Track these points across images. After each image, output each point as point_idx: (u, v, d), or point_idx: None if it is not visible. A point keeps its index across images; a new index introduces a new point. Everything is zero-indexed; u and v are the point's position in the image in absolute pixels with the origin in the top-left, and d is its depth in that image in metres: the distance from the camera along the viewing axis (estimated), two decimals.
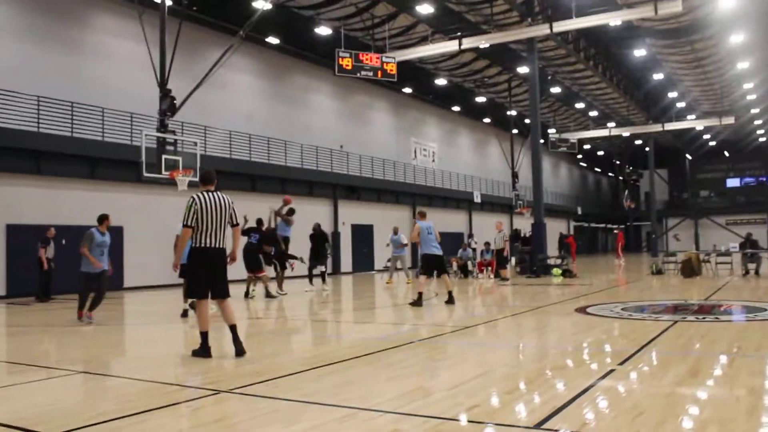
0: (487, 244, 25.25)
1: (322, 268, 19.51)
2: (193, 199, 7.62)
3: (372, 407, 5.12)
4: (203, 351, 7.59)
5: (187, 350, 8.07)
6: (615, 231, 45.73)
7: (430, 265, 13.91)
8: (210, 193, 7.72)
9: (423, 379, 6.47)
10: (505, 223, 47.74)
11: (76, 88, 22.00)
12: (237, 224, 7.91)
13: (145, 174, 17.43)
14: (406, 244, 23.14)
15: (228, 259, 7.82)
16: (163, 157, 17.77)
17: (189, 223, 7.56)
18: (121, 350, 9.58)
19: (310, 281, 19.75)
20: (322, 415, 4.97)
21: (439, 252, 13.97)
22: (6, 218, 19.65)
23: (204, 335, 7.66)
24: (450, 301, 13.79)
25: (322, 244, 19.43)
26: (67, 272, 15.99)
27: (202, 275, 7.65)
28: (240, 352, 7.54)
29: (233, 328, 7.71)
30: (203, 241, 7.59)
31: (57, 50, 22.35)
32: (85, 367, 7.70)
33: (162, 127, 18.32)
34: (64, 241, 20.02)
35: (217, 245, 7.65)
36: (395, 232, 23.04)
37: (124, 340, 10.70)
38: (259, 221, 17.22)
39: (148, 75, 19.05)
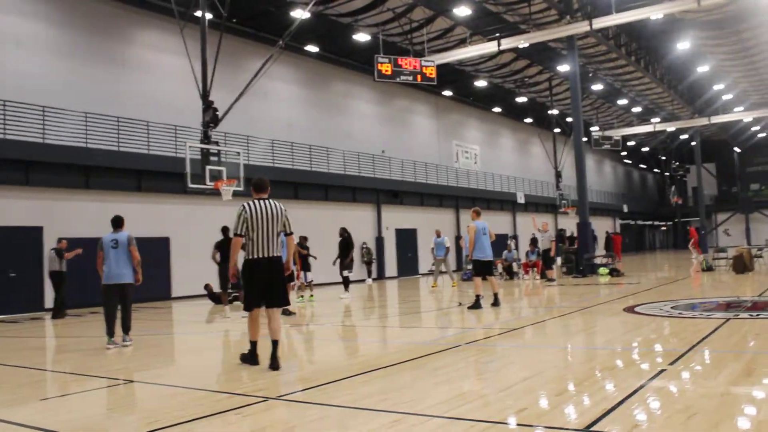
0: (533, 244, 25.02)
1: (347, 273, 19.55)
2: (243, 207, 7.42)
3: (420, 412, 5.12)
4: (251, 357, 7.57)
5: (235, 359, 8.15)
6: (662, 227, 44.90)
7: (480, 268, 13.91)
8: (261, 201, 7.51)
9: (470, 383, 6.45)
10: (550, 223, 47.37)
11: (121, 103, 22.46)
12: (291, 233, 7.78)
13: (190, 185, 17.69)
14: (449, 248, 23.04)
15: (283, 268, 7.64)
16: (207, 167, 18.02)
17: (239, 232, 7.39)
18: (170, 359, 9.73)
19: (346, 288, 19.71)
20: (370, 420, 4.98)
21: (489, 257, 13.93)
22: (57, 232, 20.10)
23: (253, 344, 7.62)
24: (496, 303, 13.72)
25: (345, 249, 19.48)
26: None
27: (255, 287, 7.46)
28: (275, 366, 7.27)
29: (275, 344, 7.44)
30: (255, 251, 7.40)
31: (102, 67, 22.84)
32: (135, 376, 7.84)
33: (205, 138, 18.59)
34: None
35: (269, 255, 7.42)
36: (438, 235, 22.92)
37: (172, 350, 10.87)
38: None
39: (190, 88, 19.36)
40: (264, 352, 7.54)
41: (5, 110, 19.16)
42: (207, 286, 19.64)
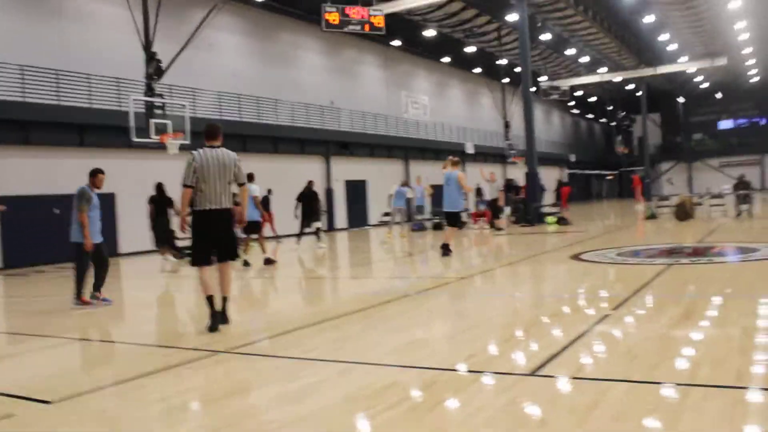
0: (479, 195, 25.23)
1: (318, 224, 19.47)
2: (193, 155, 6.95)
3: (370, 361, 5.18)
4: (213, 315, 6.82)
5: (184, 312, 8.10)
6: (608, 177, 45.59)
7: (449, 218, 14.22)
8: (213, 149, 7.03)
9: (420, 332, 6.53)
10: (498, 173, 47.77)
11: (60, 56, 21.67)
12: (243, 183, 7.21)
13: (135, 139, 17.34)
14: (410, 198, 22.84)
15: (235, 221, 7.30)
16: (152, 121, 17.65)
17: (188, 182, 6.86)
18: (119, 316, 9.63)
19: (298, 240, 19.64)
20: (321, 370, 5.03)
21: (446, 208, 14.08)
22: None
23: (210, 299, 6.90)
24: (446, 252, 13.82)
25: (313, 202, 19.33)
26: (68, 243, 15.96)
27: (204, 240, 6.99)
28: (224, 320, 6.88)
29: (224, 300, 6.98)
30: (206, 201, 6.89)
31: (39, 18, 21.97)
32: (84, 334, 7.74)
33: (149, 91, 18.18)
34: (57, 211, 19.97)
35: (220, 206, 6.94)
36: (403, 184, 22.43)
37: (121, 307, 10.75)
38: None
39: (132, 39, 18.81)
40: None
41: None
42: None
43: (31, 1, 21.81)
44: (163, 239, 16.55)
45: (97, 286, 9.74)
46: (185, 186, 6.89)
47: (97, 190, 9.72)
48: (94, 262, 9.74)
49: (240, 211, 7.69)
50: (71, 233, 9.63)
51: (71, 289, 9.72)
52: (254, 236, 15.39)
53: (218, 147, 7.09)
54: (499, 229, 22.40)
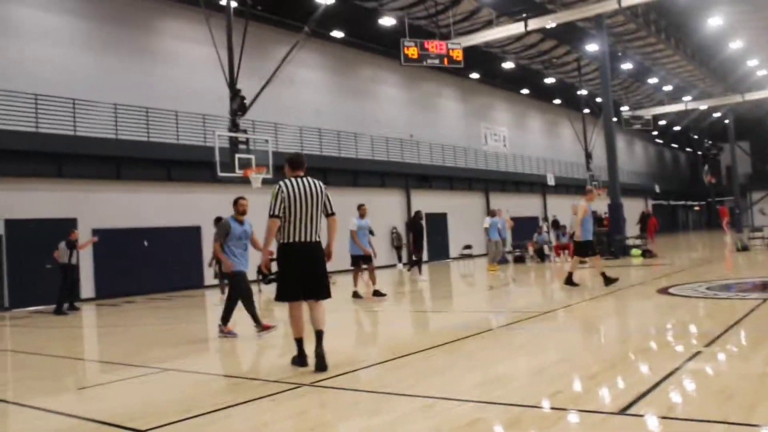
0: (563, 227, 24.79)
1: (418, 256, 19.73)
2: (280, 186, 6.52)
3: (453, 396, 5.12)
4: (299, 358, 6.61)
5: (270, 345, 8.19)
6: (695, 207, 44.17)
7: (584, 249, 13.86)
8: (299, 179, 6.60)
9: (504, 367, 6.42)
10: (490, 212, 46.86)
11: (150, 94, 22.62)
12: (332, 213, 6.75)
13: (220, 173, 17.80)
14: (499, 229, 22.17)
15: (324, 255, 6.75)
16: (236, 156, 18.12)
17: (275, 213, 6.46)
18: (204, 347, 9.83)
19: (410, 268, 19.97)
20: (404, 405, 4.99)
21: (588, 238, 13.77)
22: (92, 223, 20.39)
23: (298, 342, 6.63)
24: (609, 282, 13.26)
25: (421, 232, 19.57)
26: (156, 274, 16.56)
27: (292, 275, 6.53)
28: (321, 367, 6.33)
29: (319, 335, 6.47)
30: (293, 234, 6.51)
31: (130, 58, 23.03)
32: (170, 364, 7.93)
33: (233, 126, 18.69)
34: (146, 243, 20.75)
35: (309, 239, 6.53)
36: (492, 214, 21.85)
37: (206, 338, 10.98)
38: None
39: (218, 77, 19.45)
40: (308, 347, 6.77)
41: (37, 104, 19.41)
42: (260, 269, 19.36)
43: (122, 41, 22.90)
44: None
45: (225, 318, 9.49)
46: (272, 217, 6.48)
47: (240, 218, 9.48)
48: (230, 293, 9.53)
49: (330, 243, 6.90)
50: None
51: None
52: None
53: (303, 177, 6.67)
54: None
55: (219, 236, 9.32)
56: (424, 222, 19.95)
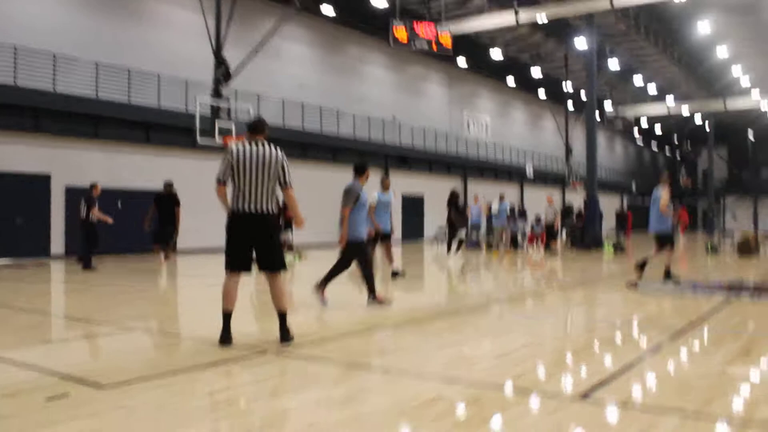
0: (538, 218, 24.96)
1: (462, 236, 19.56)
2: (230, 149, 6.13)
3: (417, 373, 5.16)
4: (223, 335, 6.14)
5: (242, 311, 8.15)
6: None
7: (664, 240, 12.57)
8: (253, 143, 6.15)
9: (469, 348, 6.47)
10: (556, 197, 47.25)
11: (133, 55, 22.36)
12: (287, 185, 6.25)
13: (199, 140, 17.68)
14: (509, 216, 21.97)
15: (274, 228, 6.29)
16: (217, 123, 17.99)
17: (220, 178, 6.13)
18: (173, 310, 9.81)
19: (449, 249, 19.54)
20: (366, 378, 5.03)
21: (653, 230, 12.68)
22: (65, 180, 20.18)
23: (225, 317, 6.18)
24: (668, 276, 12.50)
25: (462, 211, 19.42)
26: (123, 234, 16.44)
27: (233, 245, 6.16)
28: (285, 337, 6.22)
29: (281, 317, 6.26)
30: (239, 202, 6.09)
31: (115, 17, 22.71)
32: (142, 324, 7.91)
33: (216, 94, 18.54)
34: (120, 204, 20.55)
35: (256, 209, 6.07)
36: (501, 199, 21.30)
37: (176, 301, 10.95)
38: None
39: (203, 43, 19.28)
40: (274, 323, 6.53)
41: (16, 56, 19.09)
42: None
43: (111, 2, 22.54)
44: (163, 238, 15.66)
45: (326, 281, 9.19)
46: (217, 182, 6.19)
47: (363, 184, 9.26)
48: (342, 259, 9.22)
49: (297, 214, 6.62)
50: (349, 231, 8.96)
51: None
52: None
53: (262, 142, 6.21)
54: (554, 253, 22.10)
55: (349, 202, 8.91)
56: (513, 200, 19.68)
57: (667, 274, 12.38)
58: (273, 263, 6.24)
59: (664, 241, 12.51)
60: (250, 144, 6.15)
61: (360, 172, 9.29)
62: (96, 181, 16.01)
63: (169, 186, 15.25)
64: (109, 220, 14.83)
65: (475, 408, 4.24)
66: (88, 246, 15.52)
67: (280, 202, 9.12)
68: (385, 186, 13.07)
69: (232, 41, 19.21)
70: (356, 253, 9.05)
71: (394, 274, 13.07)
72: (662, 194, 12.23)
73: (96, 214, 15.23)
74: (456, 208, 19.31)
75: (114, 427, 3.79)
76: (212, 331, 6.32)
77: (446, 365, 5.52)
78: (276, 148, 6.20)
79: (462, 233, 19.52)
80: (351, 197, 8.90)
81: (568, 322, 8.35)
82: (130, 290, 11.91)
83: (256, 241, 6.15)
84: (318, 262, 18.54)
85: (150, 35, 23.61)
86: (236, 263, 6.17)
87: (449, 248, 19.56)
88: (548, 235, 23.49)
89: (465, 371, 5.32)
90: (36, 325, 7.99)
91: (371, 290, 9.05)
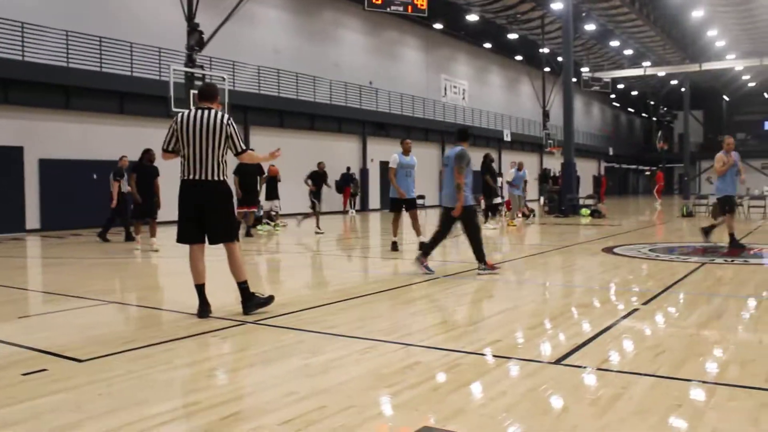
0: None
1: (498, 200, 19.43)
2: (175, 117, 6.11)
3: (394, 340, 5.19)
4: (200, 308, 6.14)
5: (222, 284, 8.15)
6: (647, 172, 45.00)
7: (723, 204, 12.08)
8: (199, 111, 6.05)
9: (446, 314, 6.53)
10: (535, 162, 47.40)
11: (104, 23, 21.90)
12: (241, 151, 6.14)
13: (173, 109, 17.44)
14: (527, 181, 21.40)
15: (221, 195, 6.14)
16: (192, 92, 17.75)
17: (165, 147, 6.12)
18: (151, 283, 9.77)
19: (486, 218, 18.87)
20: (345, 346, 5.05)
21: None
22: (38, 153, 19.88)
23: (197, 288, 6.19)
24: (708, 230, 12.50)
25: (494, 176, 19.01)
26: (104, 208, 16.14)
27: (182, 215, 6.13)
28: (246, 310, 6.17)
29: (240, 287, 6.20)
30: (185, 171, 6.05)
31: None
32: (119, 297, 7.87)
33: (190, 62, 18.28)
34: (95, 176, 20.34)
35: (200, 176, 5.98)
36: (520, 167, 20.28)
37: (150, 274, 10.91)
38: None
39: (176, 9, 18.92)
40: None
41: None
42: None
43: None
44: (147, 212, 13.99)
45: (429, 250, 9.17)
46: (162, 150, 6.20)
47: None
48: (444, 224, 9.13)
49: (260, 159, 6.65)
50: (449, 196, 9.00)
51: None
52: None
53: (209, 109, 6.08)
54: (526, 215, 21.85)
55: (464, 167, 8.81)
56: (495, 165, 19.06)
57: (732, 239, 12.04)
58: (221, 234, 6.14)
59: (724, 204, 12.06)
60: (196, 111, 6.04)
61: (464, 137, 9.28)
62: (123, 155, 16.01)
63: (149, 153, 14.02)
64: (137, 197, 13.72)
65: (453, 374, 4.28)
66: (124, 218, 15.57)
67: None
68: (405, 148, 12.53)
69: (204, 6, 18.89)
70: (464, 219, 8.92)
71: (422, 247, 11.81)
72: (716, 158, 11.82)
73: (126, 186, 14.93)
74: (491, 174, 18.84)
75: (93, 400, 3.78)
76: (191, 303, 6.30)
77: (424, 332, 5.57)
78: (222, 115, 6.06)
79: (498, 200, 19.30)
80: (464, 162, 8.82)
81: (545, 288, 8.43)
82: (106, 264, 11.85)
83: (204, 210, 6.05)
84: (299, 231, 18.56)
85: (121, 2, 23.14)
86: (183, 236, 6.14)
87: (486, 217, 18.91)
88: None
89: (442, 337, 5.37)
90: (11, 300, 7.92)
91: (481, 258, 8.99)
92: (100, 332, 5.74)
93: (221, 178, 6.06)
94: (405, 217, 12.31)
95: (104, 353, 4.87)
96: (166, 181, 13.18)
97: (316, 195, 17.97)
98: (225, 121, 6.02)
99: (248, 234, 16.31)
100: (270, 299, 6.30)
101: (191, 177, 6.00)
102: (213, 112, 6.04)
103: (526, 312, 6.59)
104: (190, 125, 5.95)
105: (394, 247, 12.29)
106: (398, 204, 12.08)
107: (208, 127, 5.94)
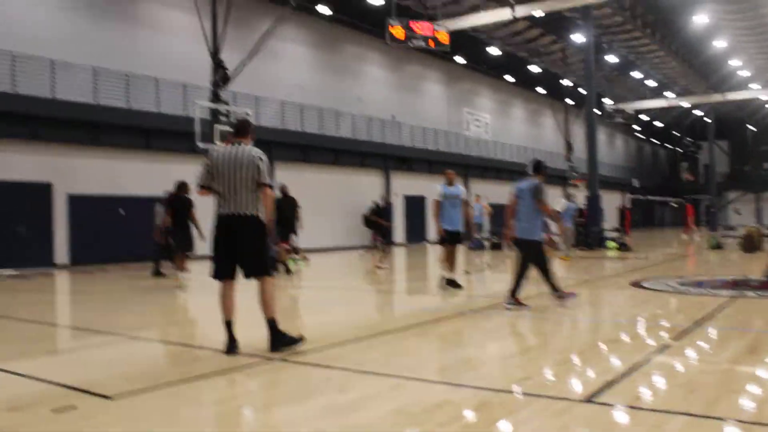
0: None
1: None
2: (208, 153, 6.26)
3: (423, 377, 5.15)
4: (228, 344, 6.10)
5: (249, 320, 8.15)
6: (673, 204, 44.47)
7: None
8: (232, 146, 6.16)
9: (475, 351, 6.47)
10: (558, 194, 47.13)
11: (131, 60, 22.33)
12: (264, 184, 6.09)
13: (199, 144, 17.67)
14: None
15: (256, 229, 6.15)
16: (216, 127, 17.98)
17: (200, 182, 6.21)
18: (175, 318, 9.81)
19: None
20: (373, 383, 5.02)
21: None
22: (67, 188, 20.18)
23: (226, 325, 6.15)
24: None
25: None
26: (132, 243, 16.24)
27: (215, 251, 6.18)
28: (275, 346, 6.11)
29: (269, 324, 6.13)
30: (219, 206, 6.14)
31: (112, 22, 22.69)
32: (147, 333, 7.90)
33: (215, 97, 18.55)
34: (122, 211, 20.59)
35: (233, 211, 6.04)
36: (569, 198, 19.09)
37: (177, 309, 10.95)
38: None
39: (200, 46, 19.26)
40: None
41: (14, 64, 19.09)
42: None
43: (106, 5, 22.56)
44: (183, 246, 13.63)
45: (516, 289, 9.00)
46: (198, 187, 6.29)
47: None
48: (525, 259, 9.08)
49: (268, 214, 6.27)
50: (525, 230, 8.95)
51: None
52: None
53: (242, 144, 6.17)
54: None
55: (543, 197, 8.86)
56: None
57: None
58: (254, 268, 6.16)
59: None
60: (230, 147, 6.15)
61: (539, 169, 9.24)
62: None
63: (183, 186, 13.67)
64: (165, 230, 13.48)
65: (481, 412, 4.23)
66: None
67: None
68: (447, 178, 11.79)
69: (229, 43, 19.22)
70: (530, 251, 8.96)
71: (450, 282, 11.28)
72: None
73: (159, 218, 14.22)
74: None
75: None
76: (219, 339, 6.31)
77: (451, 369, 5.52)
78: (253, 149, 6.14)
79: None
80: (544, 194, 8.89)
81: (573, 323, 8.33)
82: (134, 299, 11.92)
83: (237, 245, 6.09)
84: (322, 266, 18.57)
85: (147, 39, 23.60)
86: (218, 271, 6.18)
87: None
88: None
89: (470, 375, 5.32)
90: (40, 335, 7.98)
91: (556, 288, 9.00)
92: (129, 368, 5.76)
93: (255, 213, 6.11)
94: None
95: (133, 390, 4.88)
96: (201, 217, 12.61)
97: (378, 229, 17.66)
98: (255, 154, 6.09)
99: (288, 271, 15.35)
100: (300, 340, 6.24)
101: (225, 211, 6.08)
102: (246, 147, 6.13)
103: (555, 348, 6.51)
104: (224, 160, 6.05)
105: (450, 283, 11.29)
106: (447, 236, 11.34)
107: (241, 162, 6.02)
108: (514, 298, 8.89)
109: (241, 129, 6.31)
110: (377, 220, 17.90)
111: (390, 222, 17.26)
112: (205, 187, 6.20)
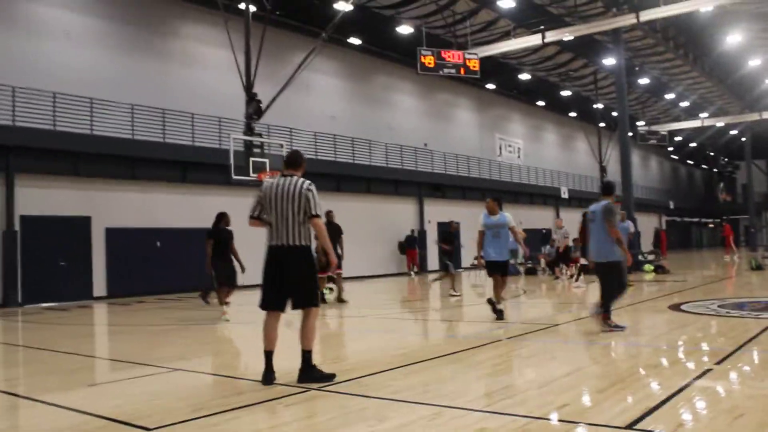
0: (553, 241, 23.69)
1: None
2: (263, 185, 6.40)
3: (460, 405, 5.11)
4: (264, 374, 6.15)
5: (284, 348, 8.19)
6: (710, 225, 43.71)
7: None
8: (282, 178, 6.26)
9: (512, 378, 6.41)
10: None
11: (166, 96, 22.78)
12: (314, 215, 6.14)
13: (234, 176, 17.87)
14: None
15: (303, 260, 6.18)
16: (251, 159, 18.20)
17: (251, 213, 6.32)
18: (214, 348, 9.87)
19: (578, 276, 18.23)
20: (411, 412, 4.99)
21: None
22: (105, 222, 20.53)
23: (266, 355, 6.19)
24: None
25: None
26: (168, 275, 16.42)
27: (264, 281, 6.24)
28: (303, 379, 6.13)
29: (303, 356, 6.18)
30: (269, 237, 6.22)
31: (148, 59, 23.20)
32: (185, 364, 7.96)
33: (249, 130, 18.79)
34: (158, 243, 20.87)
35: (283, 242, 6.11)
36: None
37: (214, 340, 11.01)
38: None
39: (234, 80, 19.56)
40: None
41: (55, 102, 19.57)
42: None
43: (142, 42, 23.09)
44: (226, 278, 13.30)
45: (608, 310, 9.11)
46: (249, 218, 6.36)
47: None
48: (609, 281, 9.14)
49: (326, 246, 6.47)
50: (601, 252, 9.06)
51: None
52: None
53: (292, 176, 6.27)
54: (557, 277, 21.29)
55: (612, 218, 8.94)
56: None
57: None
58: (303, 299, 6.21)
59: None
60: (280, 179, 6.26)
61: (609, 191, 9.36)
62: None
63: (224, 217, 13.57)
64: (209, 263, 13.18)
65: None
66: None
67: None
68: (488, 208, 11.50)
69: (262, 77, 19.49)
70: (611, 272, 9.05)
71: (497, 312, 10.85)
72: None
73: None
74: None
75: None
76: (256, 369, 6.33)
77: (489, 396, 5.47)
78: (302, 180, 6.22)
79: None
80: (614, 216, 8.98)
81: (611, 348, 8.22)
82: (172, 331, 12.03)
83: (286, 275, 6.13)
84: (355, 294, 18.56)
85: (182, 75, 24.07)
86: (265, 302, 6.24)
87: (579, 275, 18.20)
88: (560, 260, 21.97)
89: (508, 402, 5.26)
90: (80, 367, 8.09)
91: (606, 308, 9.03)
92: (168, 400, 5.80)
93: (305, 243, 6.17)
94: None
95: (173, 422, 4.91)
96: (248, 248, 12.60)
97: (449, 256, 17.61)
98: (305, 186, 6.17)
99: (340, 299, 15.26)
100: (330, 377, 6.20)
101: (276, 243, 6.15)
102: (296, 179, 6.22)
103: (593, 374, 6.42)
104: (274, 192, 6.15)
105: (500, 315, 10.81)
106: (491, 266, 11.06)
107: (291, 194, 6.11)
108: (607, 323, 8.93)
109: (293, 161, 6.41)
110: (442, 246, 17.75)
111: (452, 247, 17.17)
112: (256, 218, 6.30)
